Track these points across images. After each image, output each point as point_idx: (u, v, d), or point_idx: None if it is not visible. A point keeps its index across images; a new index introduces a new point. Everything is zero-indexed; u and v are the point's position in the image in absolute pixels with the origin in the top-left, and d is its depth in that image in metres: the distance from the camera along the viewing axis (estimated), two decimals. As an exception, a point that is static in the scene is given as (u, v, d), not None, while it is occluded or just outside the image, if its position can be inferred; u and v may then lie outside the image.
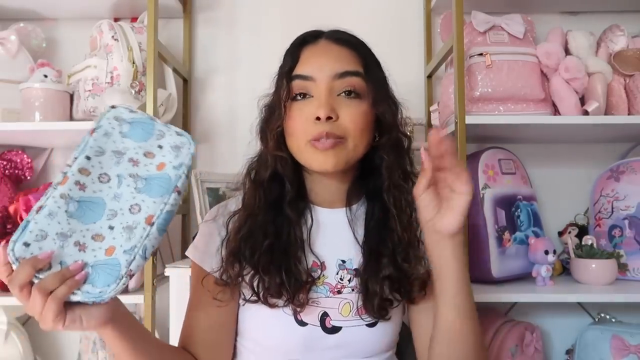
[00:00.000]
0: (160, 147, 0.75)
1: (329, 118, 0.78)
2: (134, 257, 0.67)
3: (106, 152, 0.72)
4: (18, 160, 1.43)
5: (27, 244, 0.63)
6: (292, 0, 1.52)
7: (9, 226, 1.25)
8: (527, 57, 1.23)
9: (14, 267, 0.62)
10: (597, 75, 1.25)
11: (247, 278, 0.80)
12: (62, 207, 0.66)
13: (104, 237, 0.68)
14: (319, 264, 0.84)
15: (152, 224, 0.69)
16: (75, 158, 0.70)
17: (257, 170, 0.86)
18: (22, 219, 1.23)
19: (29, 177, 1.44)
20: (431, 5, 1.48)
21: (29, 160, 1.44)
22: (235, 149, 1.49)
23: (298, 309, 0.80)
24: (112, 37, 1.28)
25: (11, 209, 1.28)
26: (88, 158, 0.70)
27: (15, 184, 1.41)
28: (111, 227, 0.68)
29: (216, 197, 1.32)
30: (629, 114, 1.25)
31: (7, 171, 1.41)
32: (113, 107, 0.76)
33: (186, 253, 0.88)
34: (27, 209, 1.24)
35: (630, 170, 1.33)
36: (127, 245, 0.67)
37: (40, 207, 0.65)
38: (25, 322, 1.44)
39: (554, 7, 1.47)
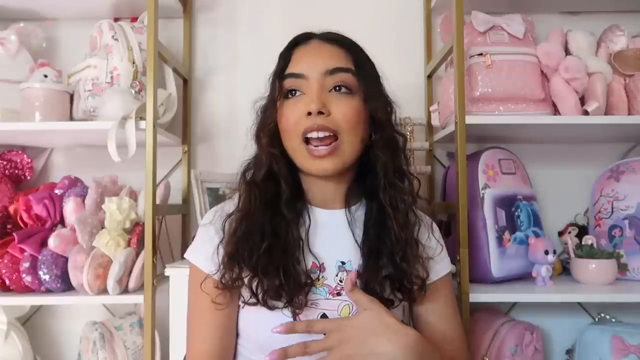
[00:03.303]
0: None
1: (320, 113, 0.78)
2: None
3: None
4: (18, 160, 1.43)
5: None
6: (292, 0, 1.52)
7: (9, 226, 1.25)
8: (527, 57, 1.23)
9: None
10: (597, 75, 1.25)
11: (246, 280, 0.80)
12: None
13: None
14: (318, 265, 0.83)
15: None
16: None
17: (252, 171, 0.86)
18: (22, 219, 1.24)
19: (29, 177, 1.43)
20: (431, 5, 1.48)
21: (29, 160, 1.44)
22: (235, 148, 1.47)
23: (297, 311, 0.79)
24: (112, 37, 1.28)
25: (11, 209, 1.27)
26: None
27: (15, 184, 1.41)
28: None
29: (216, 197, 1.32)
30: (629, 114, 1.25)
31: (7, 171, 1.41)
32: None
33: (185, 256, 0.88)
34: (27, 209, 1.24)
35: (630, 170, 1.33)
36: None
37: None
38: (25, 322, 1.44)
39: (554, 7, 1.47)
